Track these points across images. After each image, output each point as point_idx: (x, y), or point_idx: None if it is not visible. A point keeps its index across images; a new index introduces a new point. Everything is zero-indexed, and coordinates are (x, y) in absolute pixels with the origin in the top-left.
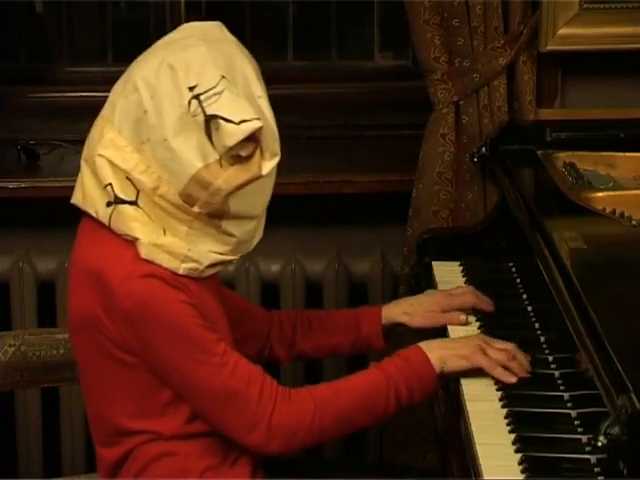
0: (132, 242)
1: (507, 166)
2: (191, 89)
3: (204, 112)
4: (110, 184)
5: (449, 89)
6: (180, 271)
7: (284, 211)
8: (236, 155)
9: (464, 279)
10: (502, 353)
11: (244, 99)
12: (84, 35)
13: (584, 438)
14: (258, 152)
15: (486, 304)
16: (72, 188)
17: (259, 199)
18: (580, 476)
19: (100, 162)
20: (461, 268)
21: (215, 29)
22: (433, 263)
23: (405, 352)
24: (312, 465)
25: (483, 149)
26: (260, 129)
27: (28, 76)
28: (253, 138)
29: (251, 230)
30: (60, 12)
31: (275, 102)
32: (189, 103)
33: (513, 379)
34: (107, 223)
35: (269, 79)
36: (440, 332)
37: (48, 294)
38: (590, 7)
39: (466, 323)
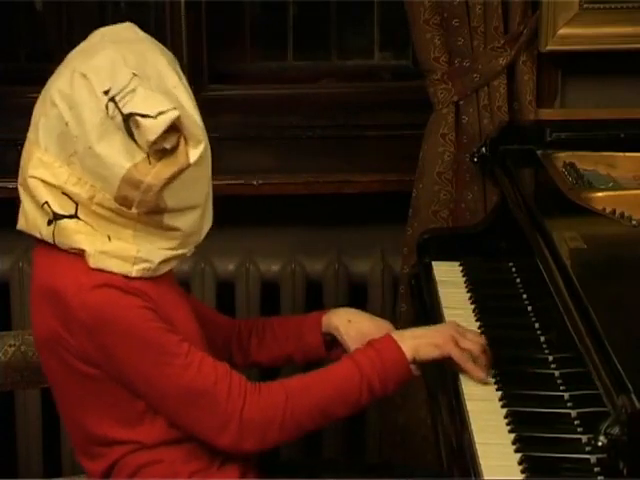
0: (79, 255)
1: (507, 166)
2: (106, 92)
3: (121, 112)
4: (46, 202)
5: (449, 89)
6: (133, 274)
7: (284, 211)
8: (161, 149)
9: (464, 279)
10: (474, 344)
11: (158, 92)
12: (84, 35)
13: (584, 438)
14: (182, 142)
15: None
16: None
17: (196, 188)
18: (580, 476)
19: (33, 183)
20: (461, 268)
21: (125, 30)
22: (433, 263)
23: (377, 341)
24: (311, 465)
25: (483, 149)
26: (179, 118)
27: (28, 76)
28: (174, 128)
29: (196, 220)
30: (60, 11)
31: (275, 102)
32: (106, 107)
33: (483, 375)
34: (52, 241)
35: (269, 79)
36: None
37: None
38: (590, 7)
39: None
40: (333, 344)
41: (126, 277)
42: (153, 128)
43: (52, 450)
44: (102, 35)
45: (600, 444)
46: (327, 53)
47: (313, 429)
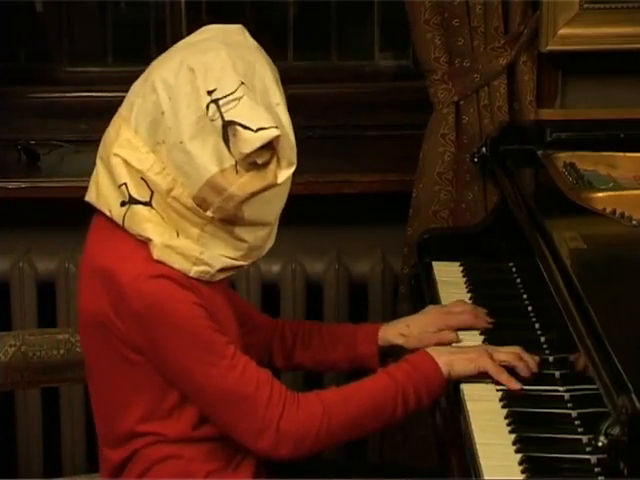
0: (144, 242)
1: (507, 166)
2: (210, 93)
3: (222, 117)
4: (125, 184)
5: (449, 89)
6: (191, 273)
7: (284, 211)
8: (252, 162)
9: (464, 279)
10: (509, 354)
11: (262, 106)
12: (84, 35)
13: (584, 438)
14: (274, 160)
15: (484, 323)
16: (72, 188)
17: (273, 207)
18: (580, 476)
19: (115, 161)
20: (461, 268)
21: (236, 32)
22: (433, 263)
23: (412, 357)
24: (312, 465)
25: (483, 149)
26: (277, 137)
27: (28, 76)
28: (270, 146)
29: (264, 237)
30: (60, 12)
31: None
32: (207, 107)
33: (517, 386)
34: (121, 223)
35: None
36: None
37: (48, 294)
38: (590, 7)
39: (457, 341)
40: (385, 358)
41: (184, 274)
42: (251, 142)
43: (52, 450)
44: (214, 33)
45: (600, 444)
46: (327, 53)
47: (346, 441)
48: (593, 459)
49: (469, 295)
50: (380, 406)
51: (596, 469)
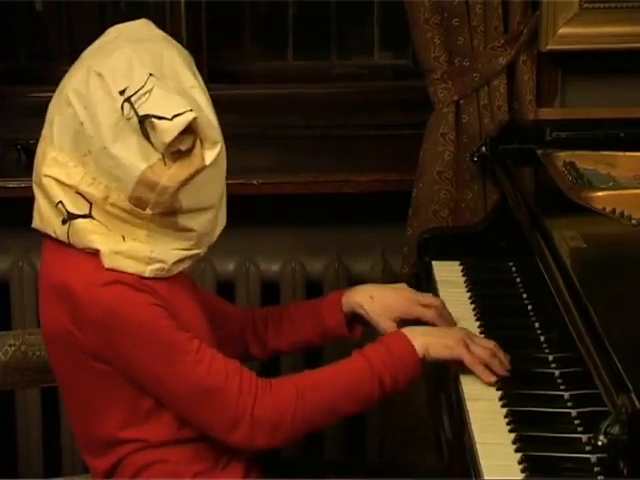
0: (93, 254)
1: (507, 165)
2: (122, 93)
3: (137, 113)
4: (61, 202)
5: (449, 88)
6: (146, 274)
7: (284, 211)
8: (177, 150)
9: (464, 279)
10: (484, 350)
11: (175, 92)
12: (84, 35)
13: (584, 437)
14: (198, 143)
15: (441, 323)
16: None
17: (210, 189)
18: (580, 476)
19: (47, 182)
20: (461, 268)
21: (141, 27)
22: (433, 263)
23: (388, 338)
24: (312, 465)
25: (483, 148)
26: (195, 120)
27: (28, 76)
28: (190, 130)
29: (210, 220)
30: (60, 11)
31: (275, 102)
32: (122, 107)
33: (492, 378)
34: (66, 240)
35: (269, 79)
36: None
37: None
38: (590, 7)
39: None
40: (353, 323)
41: (138, 276)
42: (169, 130)
43: (52, 450)
44: (118, 33)
45: (600, 444)
46: (327, 53)
47: (324, 425)
48: (593, 458)
49: (469, 295)
50: (356, 390)
51: (596, 468)
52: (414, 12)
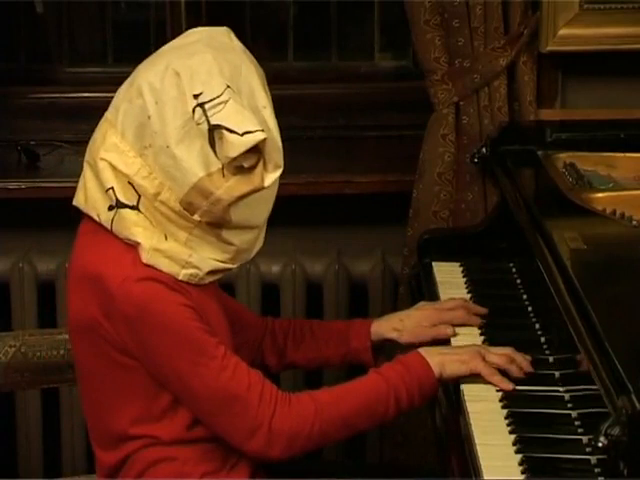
0: (132, 246)
1: (507, 166)
2: (196, 97)
3: (208, 121)
4: (112, 188)
5: (449, 89)
6: (180, 277)
7: (284, 211)
8: (239, 166)
9: (464, 279)
10: (501, 357)
11: (248, 110)
12: (84, 35)
13: (584, 439)
14: (261, 163)
15: (475, 321)
16: (72, 188)
17: (260, 210)
18: (580, 477)
19: (102, 165)
20: (461, 268)
21: (222, 35)
22: (433, 263)
23: (405, 357)
24: (312, 466)
25: (483, 149)
26: (264, 141)
27: (28, 76)
28: (256, 149)
29: (251, 239)
30: (60, 12)
31: (275, 102)
32: (193, 111)
33: (510, 386)
34: (109, 227)
35: (269, 79)
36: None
37: (48, 294)
38: (590, 7)
39: (453, 335)
40: (378, 353)
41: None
42: (237, 145)
43: (52, 450)
44: (200, 36)
45: (600, 445)
46: (327, 53)
47: (339, 440)
48: (593, 459)
49: (469, 295)
50: (372, 406)
51: (596, 469)
52: (414, 13)
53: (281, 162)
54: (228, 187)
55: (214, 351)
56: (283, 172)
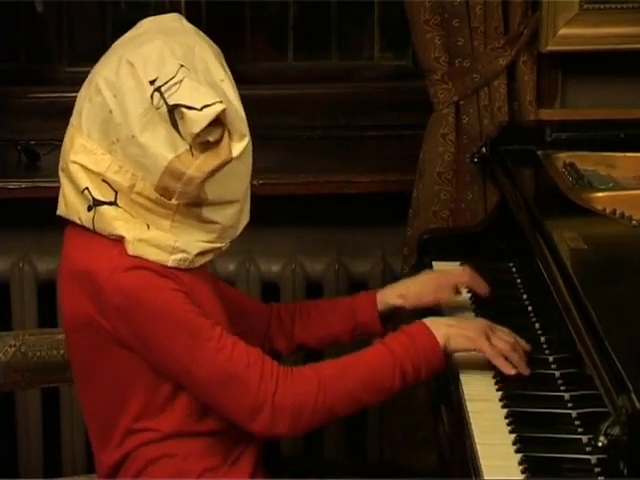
0: (118, 241)
1: (507, 166)
2: (152, 82)
3: (166, 103)
4: (87, 188)
5: (449, 89)
6: (169, 263)
7: (284, 211)
8: (205, 141)
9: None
10: (505, 343)
11: (205, 84)
12: (84, 35)
13: (584, 438)
14: (226, 135)
15: (481, 286)
16: None
17: (236, 182)
18: (580, 476)
19: (74, 168)
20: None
21: (172, 20)
22: (433, 263)
23: (409, 328)
24: (312, 465)
25: (483, 149)
26: (224, 112)
27: (28, 76)
28: (219, 122)
29: (234, 214)
30: (60, 12)
31: (275, 102)
32: (152, 96)
33: (512, 371)
34: (91, 227)
35: (269, 79)
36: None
37: (48, 294)
38: (590, 7)
39: (458, 296)
40: (386, 323)
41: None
42: (198, 121)
43: (52, 450)
44: (150, 25)
45: (600, 444)
46: (327, 53)
47: (345, 414)
48: (593, 459)
49: (469, 295)
50: (377, 379)
51: (596, 469)
52: (414, 13)
53: (246, 131)
54: (198, 164)
55: (210, 333)
56: (283, 172)
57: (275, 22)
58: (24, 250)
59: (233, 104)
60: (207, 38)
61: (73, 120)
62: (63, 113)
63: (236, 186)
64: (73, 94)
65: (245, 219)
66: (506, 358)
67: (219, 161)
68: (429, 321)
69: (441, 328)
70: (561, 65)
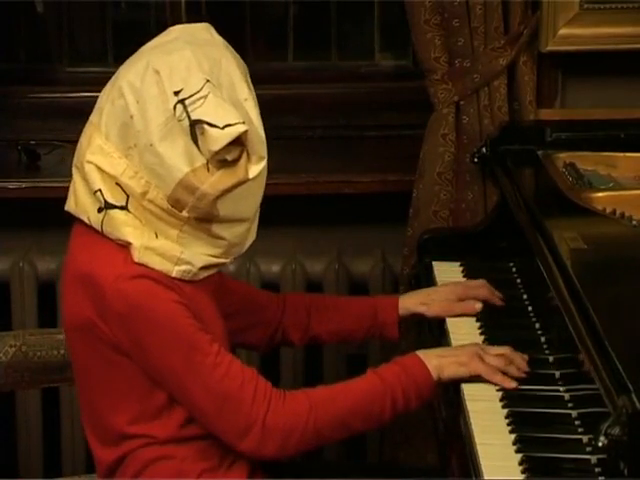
0: (123, 246)
1: (507, 166)
2: (176, 93)
3: (189, 117)
4: (100, 190)
5: (449, 89)
6: (173, 274)
7: (284, 211)
8: (222, 159)
9: (464, 279)
10: (499, 359)
11: (229, 103)
12: (84, 35)
13: (585, 438)
14: (244, 156)
15: (498, 300)
16: None
17: (248, 202)
18: (581, 476)
19: (89, 168)
20: (461, 268)
21: (202, 31)
22: (433, 263)
23: (402, 359)
24: (312, 466)
25: (483, 149)
26: (245, 133)
27: (28, 76)
28: (239, 142)
29: (242, 233)
30: (60, 12)
31: (275, 102)
32: (174, 108)
33: (513, 384)
34: (99, 229)
35: (269, 79)
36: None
37: (48, 294)
38: (590, 7)
39: (481, 310)
40: (404, 330)
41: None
42: (218, 139)
43: (52, 450)
44: (179, 33)
45: (601, 444)
46: (327, 53)
47: (334, 440)
48: (593, 459)
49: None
50: (368, 407)
51: (596, 469)
52: (414, 13)
53: (264, 153)
54: (213, 181)
55: (207, 348)
56: (283, 172)
57: (275, 22)
58: (24, 250)
59: (255, 125)
60: (235, 53)
61: (93, 118)
62: (63, 113)
63: (248, 206)
64: (73, 94)
65: (252, 237)
66: (505, 373)
67: (234, 180)
68: (422, 353)
69: (433, 360)
70: (561, 65)
